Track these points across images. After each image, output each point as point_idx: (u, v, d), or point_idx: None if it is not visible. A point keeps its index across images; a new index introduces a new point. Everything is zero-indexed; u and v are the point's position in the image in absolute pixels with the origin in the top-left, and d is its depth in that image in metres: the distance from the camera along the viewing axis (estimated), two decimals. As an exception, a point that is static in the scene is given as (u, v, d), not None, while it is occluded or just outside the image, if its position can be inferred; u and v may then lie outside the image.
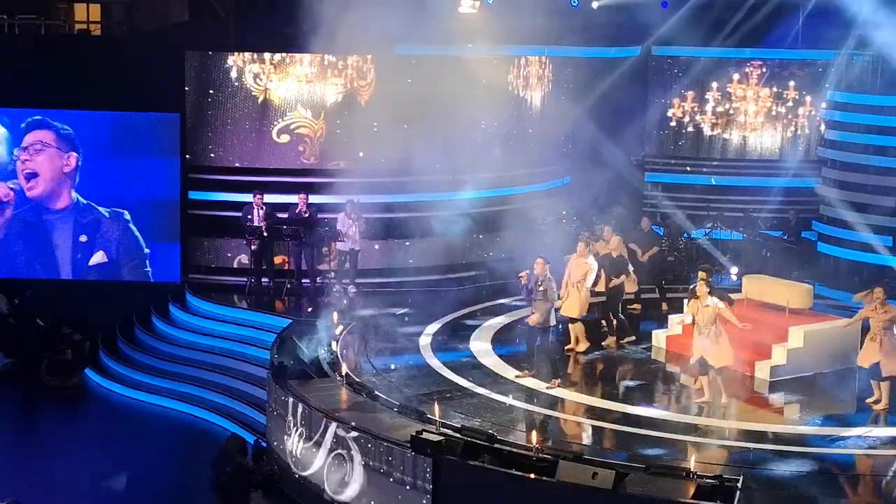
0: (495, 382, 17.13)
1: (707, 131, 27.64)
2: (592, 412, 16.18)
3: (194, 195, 23.24)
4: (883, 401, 16.13)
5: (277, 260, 22.54)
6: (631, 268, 19.65)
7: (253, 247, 21.90)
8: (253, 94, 22.83)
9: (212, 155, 23.11)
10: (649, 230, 21.43)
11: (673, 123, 27.78)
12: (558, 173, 26.03)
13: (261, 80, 22.79)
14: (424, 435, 14.00)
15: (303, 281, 22.17)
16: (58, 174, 23.24)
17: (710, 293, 16.28)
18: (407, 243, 23.31)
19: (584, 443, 15.04)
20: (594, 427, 15.72)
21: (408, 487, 13.99)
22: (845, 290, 20.44)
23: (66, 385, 21.16)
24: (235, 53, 22.74)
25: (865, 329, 16.62)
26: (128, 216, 23.28)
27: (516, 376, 17.35)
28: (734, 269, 21.84)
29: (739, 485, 12.92)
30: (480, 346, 18.91)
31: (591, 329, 18.90)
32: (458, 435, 14.25)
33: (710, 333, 16.15)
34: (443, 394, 16.53)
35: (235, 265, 23.23)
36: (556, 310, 17.64)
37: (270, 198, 22.05)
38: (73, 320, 22.38)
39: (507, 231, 23.16)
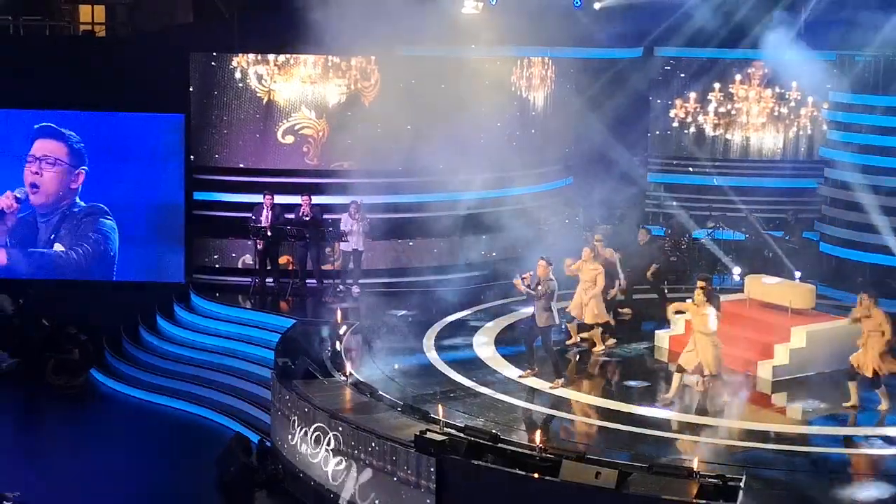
0: (499, 382, 17.17)
1: (709, 132, 27.68)
2: (596, 412, 16.23)
3: (199, 196, 23.31)
4: (852, 399, 16.21)
5: (282, 260, 22.60)
6: (622, 275, 19.69)
7: (258, 247, 21.96)
8: (257, 95, 22.90)
9: (216, 156, 23.18)
10: (647, 242, 20.68)
11: (675, 124, 27.82)
12: (561, 174, 26.08)
13: (265, 81, 22.86)
14: (428, 434, 14.05)
15: (307, 281, 22.24)
16: (63, 189, 23.36)
17: (708, 301, 16.32)
18: (410, 243, 23.37)
19: (587, 442, 15.08)
20: (597, 426, 15.77)
21: (412, 487, 14.03)
22: (848, 290, 20.48)
23: (71, 385, 21.22)
24: (240, 54, 22.81)
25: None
26: (108, 214, 23.31)
27: (520, 376, 17.40)
28: (737, 270, 21.87)
29: (742, 484, 12.95)
30: (484, 346, 18.95)
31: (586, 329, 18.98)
32: (461, 434, 14.30)
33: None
34: (446, 393, 16.56)
35: (240, 265, 23.29)
36: (560, 310, 17.67)
37: (274, 198, 22.11)
38: (77, 320, 22.42)
39: (510, 231, 23.19)
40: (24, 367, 21.81)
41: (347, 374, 16.87)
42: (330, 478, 15.16)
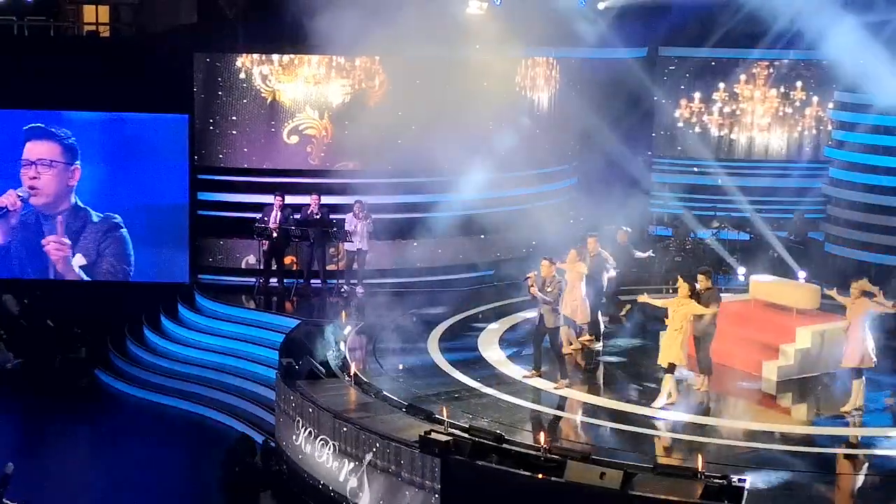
0: (503, 382, 17.17)
1: (714, 132, 27.66)
2: (600, 412, 16.22)
3: (203, 196, 23.32)
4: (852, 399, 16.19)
5: (287, 260, 22.61)
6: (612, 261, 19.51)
7: (264, 247, 21.97)
8: (262, 95, 22.90)
9: (220, 156, 23.19)
10: (625, 244, 20.29)
11: (680, 124, 27.81)
12: (566, 174, 26.07)
13: (270, 81, 22.86)
14: (433, 435, 14.02)
15: (311, 281, 22.24)
16: (63, 188, 23.39)
17: (690, 296, 16.21)
18: (415, 244, 23.36)
19: (592, 443, 15.07)
20: (602, 427, 15.75)
21: (416, 487, 14.04)
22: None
23: (76, 385, 21.24)
24: (244, 55, 22.81)
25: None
26: (119, 220, 23.37)
27: (524, 376, 17.39)
28: (741, 270, 21.84)
29: (747, 485, 12.93)
30: (488, 347, 18.94)
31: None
32: (466, 435, 14.28)
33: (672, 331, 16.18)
34: (451, 394, 16.55)
35: (243, 266, 23.31)
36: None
37: (285, 199, 22.10)
38: (82, 321, 22.46)
39: (515, 232, 23.17)
40: (31, 368, 21.83)
41: (352, 374, 16.86)
42: (334, 478, 15.17)
